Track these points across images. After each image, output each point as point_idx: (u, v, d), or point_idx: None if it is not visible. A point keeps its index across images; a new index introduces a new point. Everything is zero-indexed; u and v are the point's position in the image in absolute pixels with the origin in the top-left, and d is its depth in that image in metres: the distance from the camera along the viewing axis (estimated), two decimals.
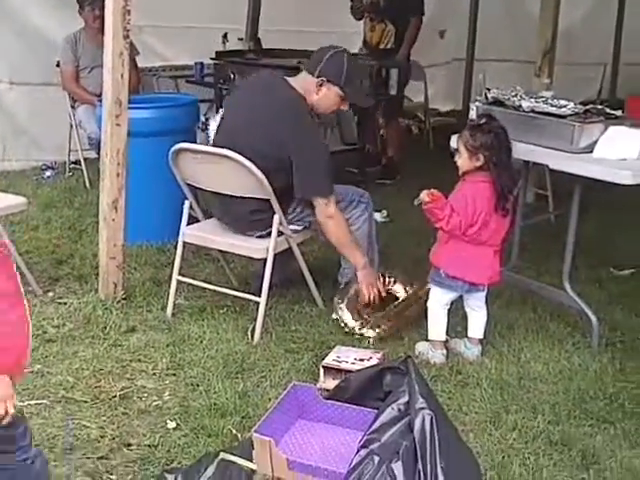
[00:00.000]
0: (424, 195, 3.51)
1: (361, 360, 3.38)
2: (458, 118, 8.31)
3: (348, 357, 3.43)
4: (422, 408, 2.30)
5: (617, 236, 5.29)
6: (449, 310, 3.73)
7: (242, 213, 3.89)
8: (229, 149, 3.75)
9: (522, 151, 3.80)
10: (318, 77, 3.86)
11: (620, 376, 3.59)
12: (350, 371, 3.19)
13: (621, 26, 9.87)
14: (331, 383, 3.25)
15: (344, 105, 3.99)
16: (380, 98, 6.26)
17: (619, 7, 9.83)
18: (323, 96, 3.89)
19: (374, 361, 3.36)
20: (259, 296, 3.83)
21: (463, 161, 3.58)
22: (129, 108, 4.02)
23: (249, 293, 3.95)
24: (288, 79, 3.94)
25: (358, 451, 2.32)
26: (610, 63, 9.85)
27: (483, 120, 3.63)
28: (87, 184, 6.11)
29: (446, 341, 3.74)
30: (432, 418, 2.28)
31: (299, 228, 4.01)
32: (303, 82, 3.90)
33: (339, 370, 3.36)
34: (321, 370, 3.42)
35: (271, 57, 6.39)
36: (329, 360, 3.42)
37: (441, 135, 7.44)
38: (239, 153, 3.71)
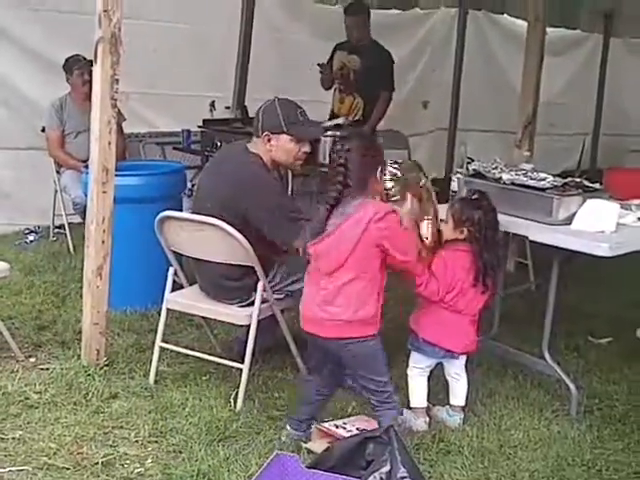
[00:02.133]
0: (424, 232, 3.59)
1: (362, 431, 3.33)
2: (440, 186, 8.42)
3: (353, 425, 3.48)
4: (404, 477, 2.32)
5: (595, 305, 5.35)
6: (429, 377, 3.75)
7: (224, 280, 3.93)
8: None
9: (503, 222, 3.87)
10: (263, 134, 3.93)
11: (598, 443, 3.63)
12: (339, 439, 3.21)
13: (602, 96, 10.11)
14: (319, 445, 3.29)
15: (304, 147, 4.00)
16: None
17: (600, 77, 10.08)
18: (277, 149, 3.93)
19: None
20: (242, 362, 3.84)
21: (447, 230, 3.67)
22: (116, 175, 4.08)
23: (232, 360, 3.96)
24: (248, 145, 4.01)
25: None
26: (590, 134, 10.08)
27: (475, 196, 3.71)
28: (71, 249, 6.11)
29: (428, 408, 3.76)
30: None
31: (280, 296, 4.04)
32: (256, 147, 3.97)
33: (329, 434, 3.39)
34: (313, 430, 3.47)
35: None
36: (327, 424, 3.48)
37: None
38: None
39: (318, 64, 6.69)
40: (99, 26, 3.90)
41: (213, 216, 3.76)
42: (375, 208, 3.17)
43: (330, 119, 6.59)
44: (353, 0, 6.92)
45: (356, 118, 6.61)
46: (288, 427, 3.49)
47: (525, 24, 6.32)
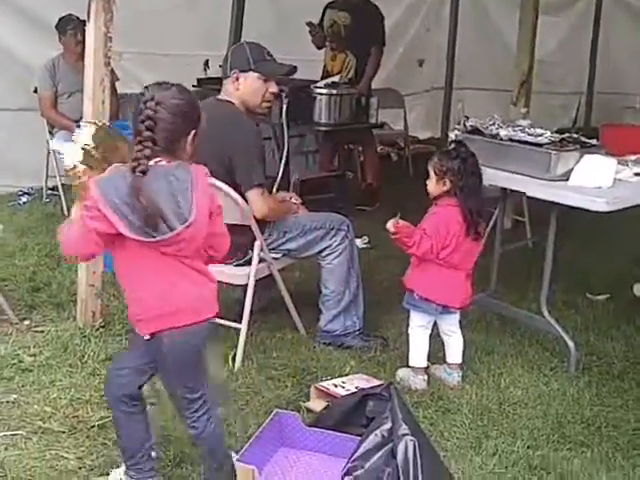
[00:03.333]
0: (389, 226, 3.57)
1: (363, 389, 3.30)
2: (437, 145, 8.39)
3: (352, 383, 3.45)
4: (405, 434, 2.31)
5: (593, 262, 5.35)
6: (430, 335, 3.73)
7: None
8: None
9: (500, 178, 3.86)
10: (231, 72, 3.92)
11: (596, 400, 3.64)
12: (338, 397, 3.19)
13: (595, 56, 10.06)
14: (318, 404, 3.28)
15: (271, 87, 3.97)
16: (360, 126, 6.30)
17: (593, 37, 10.03)
18: (244, 88, 3.92)
19: None
20: (240, 323, 3.82)
21: (432, 185, 3.65)
22: None
23: (230, 320, 3.93)
24: (218, 96, 4.01)
25: (342, 478, 2.32)
26: (585, 92, 10.03)
27: (452, 146, 3.68)
28: (65, 210, 6.05)
29: (427, 367, 3.75)
30: (415, 444, 2.29)
31: (277, 256, 4.01)
32: (226, 89, 3.97)
33: (328, 394, 3.38)
34: (312, 390, 3.46)
35: None
36: (326, 383, 3.46)
37: (420, 162, 7.47)
38: None
39: (307, 23, 6.69)
40: None
41: None
42: (202, 171, 2.62)
43: (323, 78, 6.55)
44: None
45: (349, 76, 6.58)
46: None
47: None
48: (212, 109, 3.67)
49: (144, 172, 2.45)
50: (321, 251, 4.05)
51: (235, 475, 2.71)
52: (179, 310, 2.54)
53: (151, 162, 2.49)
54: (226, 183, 3.70)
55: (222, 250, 2.73)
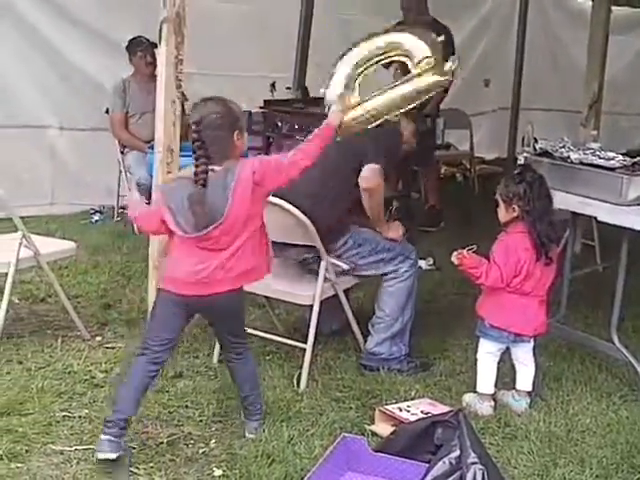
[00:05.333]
0: (454, 258, 3.56)
1: (427, 414, 3.34)
2: (504, 166, 8.35)
3: (417, 408, 3.46)
4: (474, 463, 2.30)
5: None
6: (498, 362, 3.70)
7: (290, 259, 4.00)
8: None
9: (570, 202, 3.81)
10: None
11: None
12: (404, 421, 3.19)
13: None
14: (383, 428, 3.28)
15: None
16: (424, 146, 6.28)
17: None
18: None
19: None
20: (305, 343, 3.84)
21: (501, 213, 3.63)
22: (180, 156, 4.10)
23: (295, 340, 3.96)
24: None
25: None
26: None
27: (517, 170, 3.65)
28: (135, 229, 6.17)
29: (494, 393, 3.71)
30: (484, 473, 2.27)
31: (345, 267, 4.01)
32: None
33: (393, 417, 3.38)
34: (376, 413, 3.46)
35: (317, 106, 6.44)
36: (391, 406, 3.47)
37: (486, 183, 7.50)
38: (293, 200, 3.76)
39: None
40: (164, 6, 3.92)
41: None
42: (250, 167, 3.09)
43: None
44: None
45: None
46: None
47: (588, 1, 6.21)
48: None
49: (204, 185, 3.03)
50: (386, 273, 4.05)
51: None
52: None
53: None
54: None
55: (289, 175, 3.17)
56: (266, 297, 4.31)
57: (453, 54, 6.46)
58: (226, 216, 3.05)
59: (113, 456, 3.08)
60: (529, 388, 3.72)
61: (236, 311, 3.33)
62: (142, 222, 3.38)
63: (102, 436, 3.10)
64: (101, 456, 3.09)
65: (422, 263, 5.62)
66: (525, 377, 3.71)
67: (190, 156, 4.58)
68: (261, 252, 3.25)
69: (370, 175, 3.89)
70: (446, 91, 6.65)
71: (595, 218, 3.89)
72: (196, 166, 3.06)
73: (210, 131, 3.07)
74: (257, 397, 3.40)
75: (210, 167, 3.06)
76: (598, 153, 3.93)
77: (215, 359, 4.00)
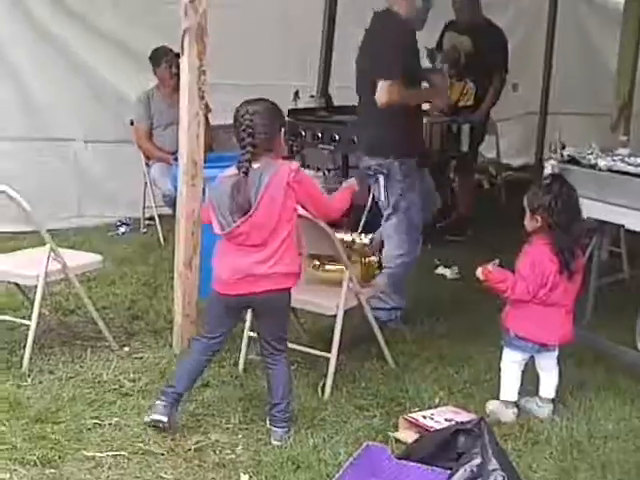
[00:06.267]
0: (479, 274, 3.59)
1: (450, 421, 3.38)
2: (531, 173, 8.25)
3: (441, 415, 3.49)
4: (495, 469, 2.32)
5: None
6: (522, 371, 3.72)
7: None
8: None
9: (598, 210, 3.79)
10: None
11: None
12: (427, 429, 3.21)
13: None
14: (407, 435, 3.32)
15: None
16: (452, 154, 6.24)
17: None
18: None
19: None
20: (329, 352, 3.88)
21: (527, 221, 3.65)
22: (204, 167, 4.15)
23: (319, 349, 4.00)
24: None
25: None
26: None
27: (547, 181, 3.66)
28: (161, 240, 6.24)
29: (517, 400, 3.73)
30: (504, 478, 2.29)
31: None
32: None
33: (417, 425, 3.41)
34: (400, 420, 3.49)
35: (342, 114, 6.48)
36: (415, 414, 3.50)
37: (513, 190, 7.43)
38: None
39: (426, 48, 6.19)
40: (185, 16, 3.97)
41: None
42: (288, 167, 3.32)
43: None
44: None
45: (467, 103, 6.40)
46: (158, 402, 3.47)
47: (620, 1, 6.13)
48: (376, 16, 4.65)
49: (246, 173, 3.24)
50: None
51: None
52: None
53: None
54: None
55: (325, 212, 3.57)
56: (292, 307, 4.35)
57: (506, 62, 6.48)
58: (255, 209, 3.24)
59: (164, 419, 3.39)
60: (552, 395, 3.73)
61: (277, 313, 3.48)
62: (204, 215, 3.72)
63: (157, 401, 3.44)
64: (155, 417, 3.41)
65: (447, 272, 5.65)
66: (548, 384, 3.73)
67: (214, 167, 4.71)
68: (298, 259, 3.42)
69: (380, 94, 4.38)
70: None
71: (623, 226, 3.88)
72: (242, 154, 3.27)
73: (261, 120, 3.28)
74: (287, 405, 3.46)
75: (254, 157, 3.27)
76: (627, 159, 3.90)
77: (241, 368, 4.07)
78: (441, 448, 2.67)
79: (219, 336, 3.52)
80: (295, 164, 3.42)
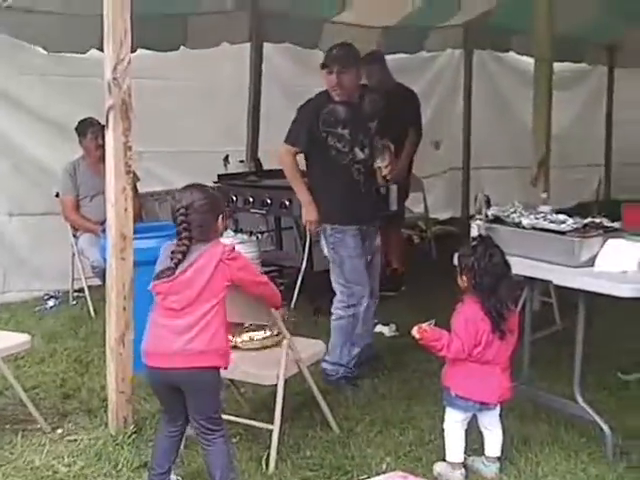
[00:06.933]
0: (414, 333, 3.58)
1: None
2: (458, 226, 8.42)
3: None
4: None
5: (622, 341, 5.28)
6: (466, 430, 3.69)
7: None
8: None
9: (524, 267, 3.85)
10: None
11: None
12: None
13: (610, 128, 10.17)
14: None
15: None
16: (380, 214, 6.30)
17: (607, 109, 10.13)
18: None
19: None
20: (272, 423, 3.79)
21: (458, 280, 3.66)
22: (133, 238, 4.07)
23: (261, 420, 3.90)
24: None
25: None
26: (603, 165, 10.10)
27: (473, 243, 3.69)
28: (92, 312, 6.08)
29: (464, 460, 3.69)
30: None
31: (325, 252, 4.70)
32: None
33: None
34: None
35: (272, 178, 6.48)
36: None
37: (443, 244, 7.57)
38: None
39: None
40: (109, 94, 3.91)
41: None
42: (222, 246, 3.34)
43: None
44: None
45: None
46: None
47: (530, 60, 6.35)
48: None
49: (176, 264, 3.25)
50: None
51: None
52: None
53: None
54: None
55: (261, 292, 3.55)
56: (229, 379, 4.26)
57: (419, 118, 6.67)
58: (180, 272, 3.25)
59: None
60: (498, 453, 3.71)
61: (201, 393, 3.32)
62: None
63: None
64: None
65: (385, 329, 5.63)
66: (493, 443, 3.71)
67: (143, 238, 4.64)
68: (222, 338, 3.32)
69: (279, 153, 4.87)
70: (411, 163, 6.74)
71: (551, 282, 3.94)
72: (178, 245, 3.28)
73: (197, 215, 3.28)
74: None
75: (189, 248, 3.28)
76: (550, 217, 3.99)
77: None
78: None
79: (173, 411, 3.41)
80: (229, 245, 3.40)
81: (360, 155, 4.80)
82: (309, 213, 4.78)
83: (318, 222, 4.75)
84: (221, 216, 3.40)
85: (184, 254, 3.26)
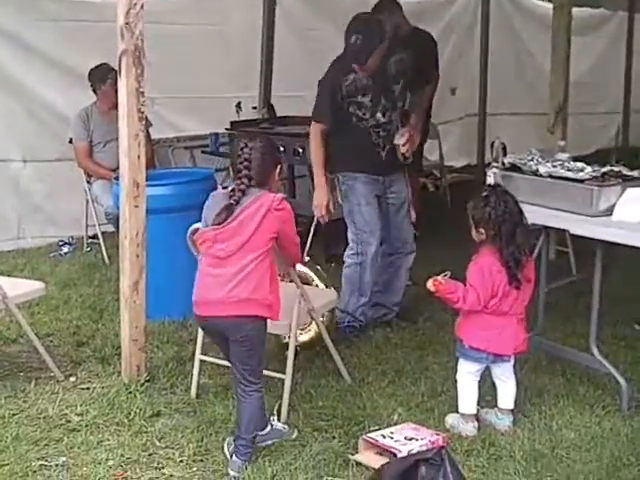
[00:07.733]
0: (429, 286, 3.54)
1: (410, 439, 3.36)
2: (474, 174, 8.32)
3: (401, 435, 3.43)
4: None
5: (639, 292, 5.22)
6: (479, 382, 3.67)
7: None
8: None
9: (541, 216, 3.79)
10: None
11: None
12: (387, 449, 3.15)
13: (630, 74, 9.99)
14: (367, 456, 3.30)
15: None
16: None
17: (627, 55, 9.94)
18: None
19: (425, 442, 3.36)
20: (284, 372, 3.78)
21: (473, 233, 3.61)
22: (146, 185, 4.03)
23: (272, 369, 3.90)
24: None
25: None
26: (621, 112, 9.96)
27: (484, 193, 3.61)
28: (106, 259, 6.08)
29: (476, 412, 3.67)
30: None
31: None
32: None
33: (376, 445, 3.35)
34: (360, 441, 3.43)
35: (285, 125, 6.41)
36: (374, 434, 3.44)
37: (458, 192, 7.48)
38: None
39: None
40: (121, 39, 3.85)
41: None
42: (272, 195, 3.36)
43: None
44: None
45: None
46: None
47: (549, 4, 6.20)
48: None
49: (237, 202, 3.29)
50: None
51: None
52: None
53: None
54: None
55: (289, 252, 3.58)
56: None
57: (437, 62, 6.52)
58: (230, 221, 3.27)
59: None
60: (511, 406, 3.69)
61: (244, 342, 3.31)
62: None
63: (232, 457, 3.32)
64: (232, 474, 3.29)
65: None
66: (507, 395, 3.69)
67: (156, 185, 4.60)
68: (268, 289, 3.32)
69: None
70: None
71: (567, 231, 3.88)
72: (237, 184, 3.33)
73: (259, 155, 3.36)
74: (251, 441, 3.35)
75: (248, 189, 3.32)
76: (567, 165, 3.91)
77: (193, 394, 3.94)
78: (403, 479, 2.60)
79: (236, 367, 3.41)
80: (280, 195, 3.40)
81: (382, 119, 4.71)
82: (319, 196, 4.69)
83: (327, 207, 4.68)
84: (279, 167, 3.48)
85: (243, 192, 3.29)
